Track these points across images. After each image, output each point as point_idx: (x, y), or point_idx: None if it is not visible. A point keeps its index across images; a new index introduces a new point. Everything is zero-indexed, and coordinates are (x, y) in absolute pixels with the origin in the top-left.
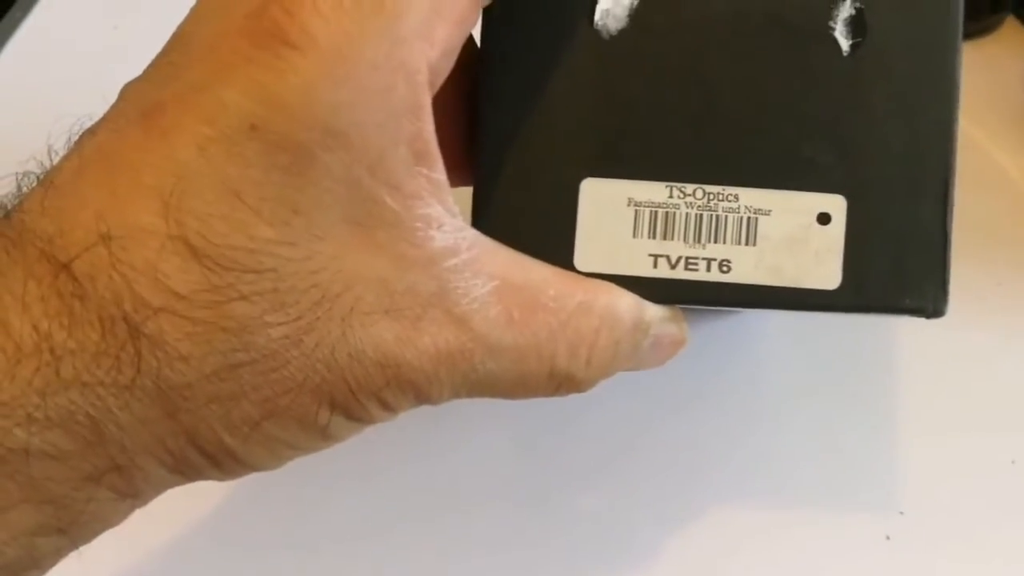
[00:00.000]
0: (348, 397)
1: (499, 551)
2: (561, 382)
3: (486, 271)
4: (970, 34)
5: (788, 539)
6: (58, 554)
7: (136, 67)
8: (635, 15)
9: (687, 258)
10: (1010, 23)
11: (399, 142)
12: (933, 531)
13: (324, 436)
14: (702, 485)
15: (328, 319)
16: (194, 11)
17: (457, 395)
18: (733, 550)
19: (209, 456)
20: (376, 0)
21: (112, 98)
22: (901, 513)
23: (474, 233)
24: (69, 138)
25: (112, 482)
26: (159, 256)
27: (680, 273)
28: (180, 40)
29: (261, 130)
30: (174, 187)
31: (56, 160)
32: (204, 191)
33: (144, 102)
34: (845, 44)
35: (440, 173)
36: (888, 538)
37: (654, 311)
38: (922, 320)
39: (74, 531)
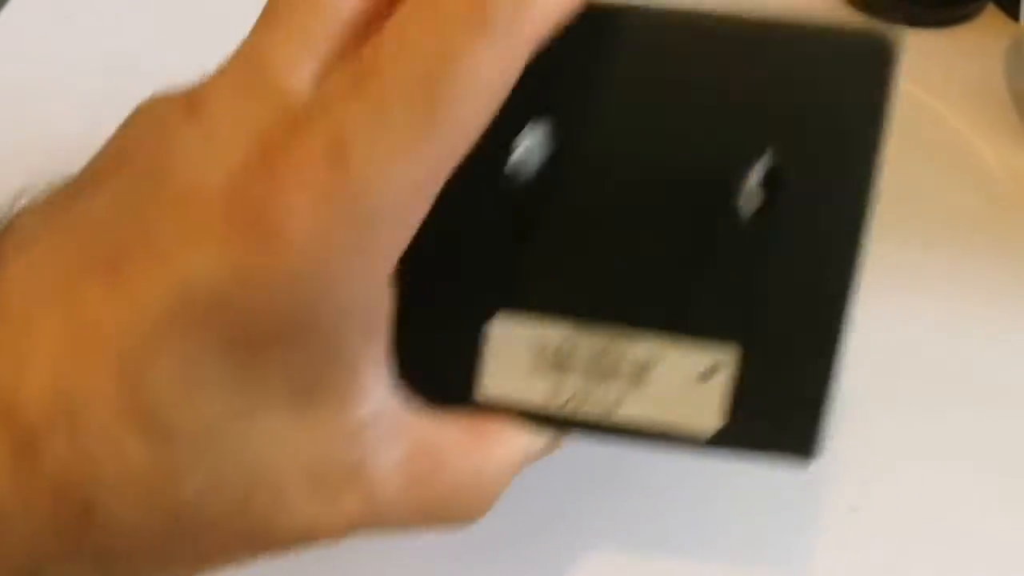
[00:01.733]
0: (262, 555)
1: None
2: (454, 526)
3: (401, 437)
4: (951, 21)
5: (755, 510)
6: None
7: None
8: (545, 167)
9: (582, 395)
10: (990, 10)
11: (356, 328)
12: (899, 505)
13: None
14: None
15: (261, 497)
16: (170, 143)
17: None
18: (699, 517)
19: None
20: (352, 199)
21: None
22: (866, 484)
23: (396, 401)
24: (12, 206)
25: None
26: (112, 427)
27: (574, 408)
28: (152, 173)
29: (227, 309)
30: (133, 354)
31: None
32: (161, 363)
33: (106, 240)
34: (752, 204)
35: (384, 344)
36: (854, 510)
37: (541, 442)
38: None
39: None
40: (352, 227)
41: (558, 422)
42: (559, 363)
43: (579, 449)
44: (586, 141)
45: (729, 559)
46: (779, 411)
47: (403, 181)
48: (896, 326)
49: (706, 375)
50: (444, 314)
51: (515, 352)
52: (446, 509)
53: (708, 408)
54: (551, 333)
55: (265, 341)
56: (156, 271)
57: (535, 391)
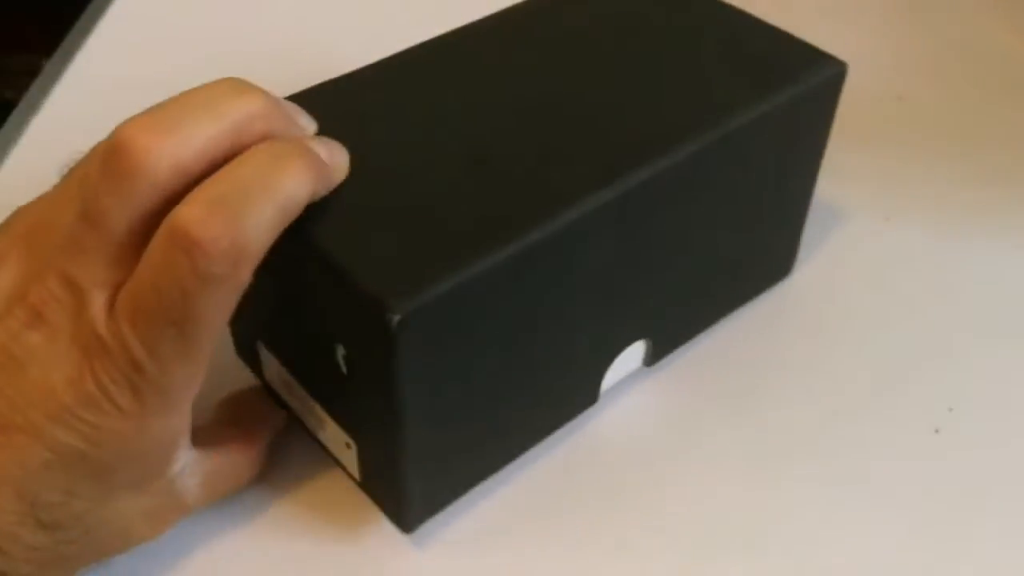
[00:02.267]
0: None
1: None
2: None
3: (196, 469)
4: None
5: (840, 433)
6: None
7: None
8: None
9: (300, 410)
10: None
11: (166, 444)
12: (982, 427)
13: None
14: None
15: (115, 541)
16: (23, 346)
17: None
18: (785, 446)
19: None
20: (151, 394)
21: None
22: (950, 409)
23: (191, 451)
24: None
25: None
26: (16, 529)
27: (300, 413)
28: (10, 367)
29: (86, 458)
30: (27, 487)
31: None
32: (45, 487)
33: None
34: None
35: (185, 431)
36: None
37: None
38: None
39: None
40: (154, 407)
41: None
42: (287, 385)
43: None
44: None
45: (818, 479)
46: (381, 486)
47: (179, 379)
48: (980, 262)
49: (348, 445)
50: (245, 331)
51: (272, 365)
52: (229, 488)
53: (352, 465)
54: (281, 370)
55: (109, 472)
56: (36, 441)
57: (281, 392)
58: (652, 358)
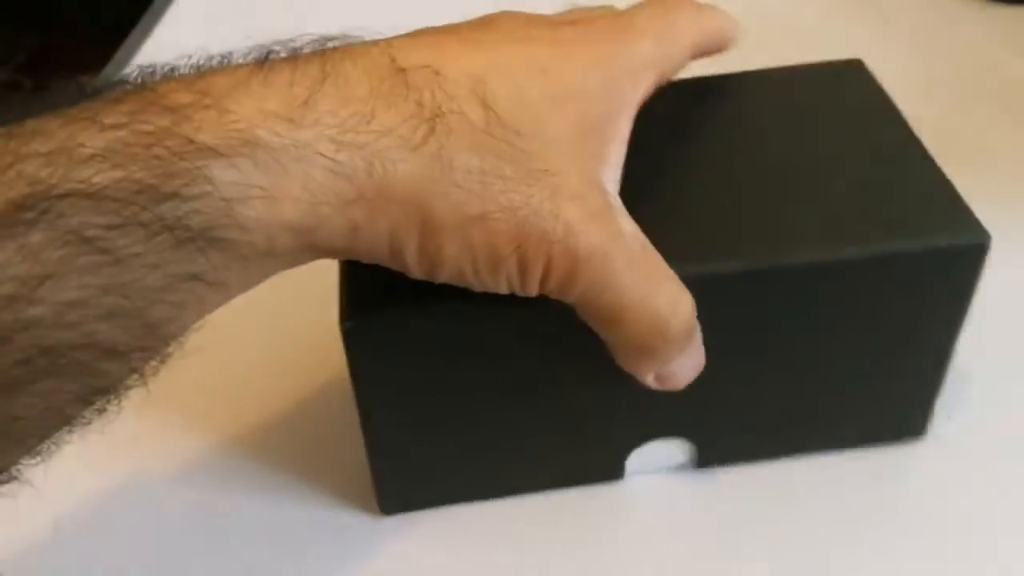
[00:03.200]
0: (530, 245)
1: None
2: (659, 329)
3: (628, 223)
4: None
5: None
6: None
7: None
8: None
9: None
10: None
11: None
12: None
13: (492, 269)
14: None
15: (545, 183)
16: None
17: (586, 296)
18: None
19: (419, 232)
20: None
21: None
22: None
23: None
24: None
25: (352, 211)
26: (463, 96)
27: None
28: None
29: (565, 98)
30: (486, 73)
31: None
32: (505, 83)
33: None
34: None
35: (616, 180)
36: None
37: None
38: None
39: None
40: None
41: None
42: None
43: None
44: None
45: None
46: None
47: None
48: None
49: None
50: None
51: None
52: (661, 298)
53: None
54: None
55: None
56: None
57: None
58: (702, 462)
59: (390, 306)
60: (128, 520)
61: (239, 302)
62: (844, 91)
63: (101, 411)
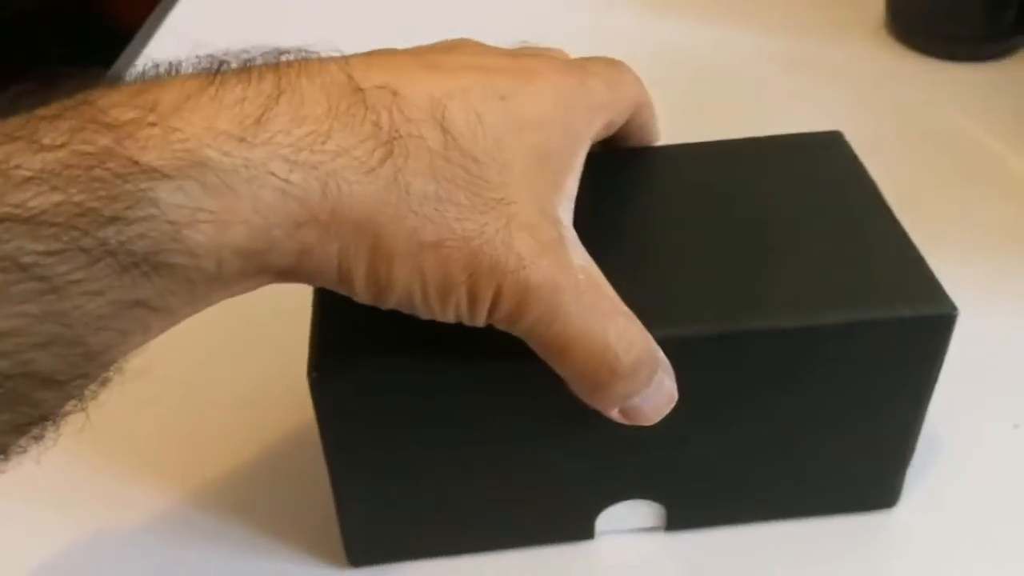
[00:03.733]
0: (481, 275)
1: None
2: (607, 361)
3: (579, 255)
4: (992, 55)
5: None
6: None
7: None
8: None
9: None
10: None
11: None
12: None
13: (442, 297)
14: None
15: (500, 212)
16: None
17: (535, 328)
18: None
19: (369, 255)
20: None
21: None
22: None
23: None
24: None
25: (304, 234)
26: (422, 119)
27: None
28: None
29: (535, 142)
30: (445, 97)
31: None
32: (464, 108)
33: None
34: None
35: (570, 211)
36: (1016, 427)
37: (663, 355)
38: None
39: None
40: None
41: None
42: None
43: None
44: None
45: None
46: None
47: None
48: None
49: None
50: None
51: None
52: (609, 330)
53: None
54: None
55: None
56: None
57: None
58: (672, 524)
59: (360, 357)
60: (90, 574)
61: (205, 351)
62: (820, 161)
63: (37, 439)
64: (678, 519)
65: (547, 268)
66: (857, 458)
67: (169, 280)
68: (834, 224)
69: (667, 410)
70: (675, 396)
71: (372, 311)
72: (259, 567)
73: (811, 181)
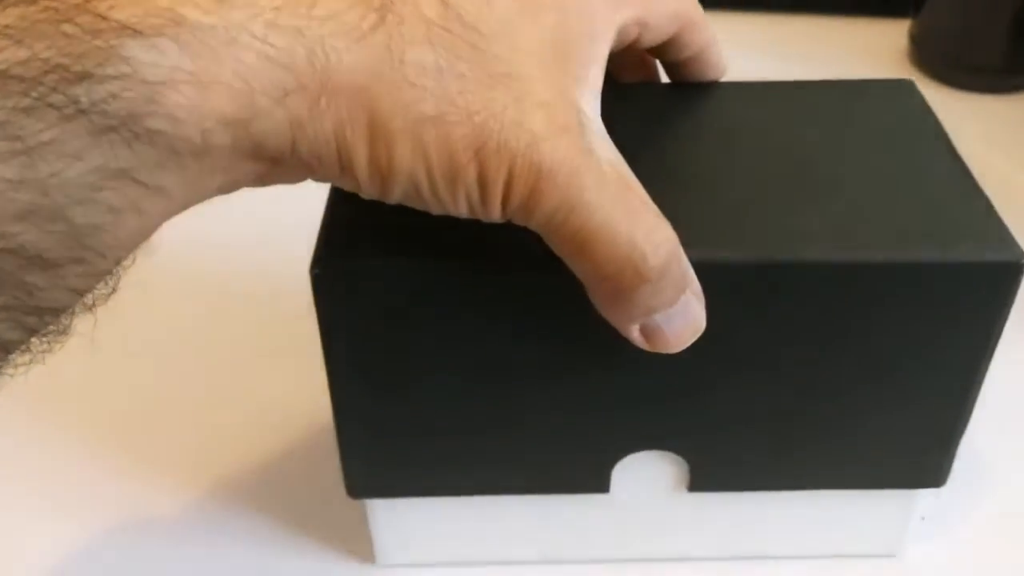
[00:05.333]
0: (489, 154)
1: None
2: (633, 261)
3: (606, 148)
4: (1015, 87)
5: None
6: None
7: None
8: None
9: None
10: None
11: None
12: None
13: (449, 181)
14: None
15: (508, 87)
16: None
17: (552, 219)
18: None
19: (368, 133)
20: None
21: None
22: None
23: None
24: None
25: (293, 104)
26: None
27: None
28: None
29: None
30: None
31: None
32: None
33: None
34: None
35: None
36: None
37: (693, 273)
38: None
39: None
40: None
41: None
42: None
43: None
44: None
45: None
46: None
47: None
48: None
49: None
50: None
51: None
52: (637, 226)
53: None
54: None
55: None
56: None
57: None
58: (695, 483)
59: (366, 253)
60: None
61: (230, 351)
62: (889, 106)
63: (43, 338)
64: (701, 477)
65: (565, 149)
66: (904, 423)
67: (152, 149)
68: (898, 165)
69: (691, 339)
70: (702, 325)
71: (382, 213)
72: (284, 566)
73: (876, 124)
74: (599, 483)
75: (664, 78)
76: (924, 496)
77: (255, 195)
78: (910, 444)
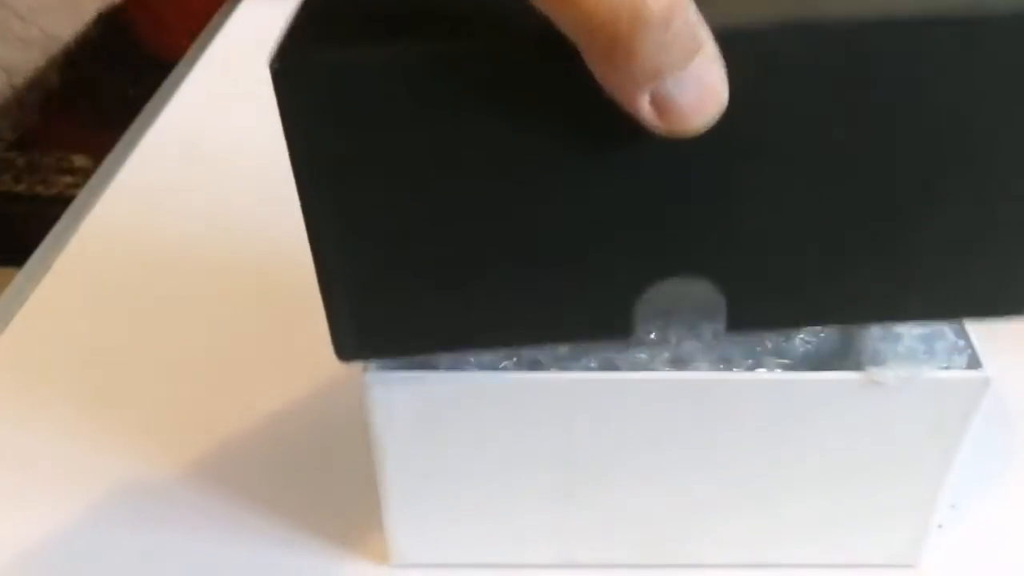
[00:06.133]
0: None
1: None
2: (629, 4)
3: None
4: None
5: None
6: None
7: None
8: None
9: None
10: None
11: None
12: None
13: None
14: None
15: None
16: None
17: None
18: None
19: None
20: None
21: None
22: None
23: None
24: None
25: None
26: None
27: None
28: None
29: None
30: None
31: None
32: None
33: None
34: None
35: None
36: None
37: (708, 32)
38: None
39: None
40: None
41: None
42: None
43: None
44: None
45: None
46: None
47: None
48: None
49: None
50: None
51: None
52: None
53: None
54: None
55: None
56: None
57: None
58: (733, 322)
59: (338, 45)
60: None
61: (243, 349)
62: None
63: None
64: (740, 314)
65: None
66: (981, 239)
67: None
68: None
69: (712, 114)
70: (723, 96)
71: (358, 3)
72: (298, 563)
73: None
74: (621, 322)
75: None
76: (941, 505)
77: (255, 194)
78: (990, 265)
